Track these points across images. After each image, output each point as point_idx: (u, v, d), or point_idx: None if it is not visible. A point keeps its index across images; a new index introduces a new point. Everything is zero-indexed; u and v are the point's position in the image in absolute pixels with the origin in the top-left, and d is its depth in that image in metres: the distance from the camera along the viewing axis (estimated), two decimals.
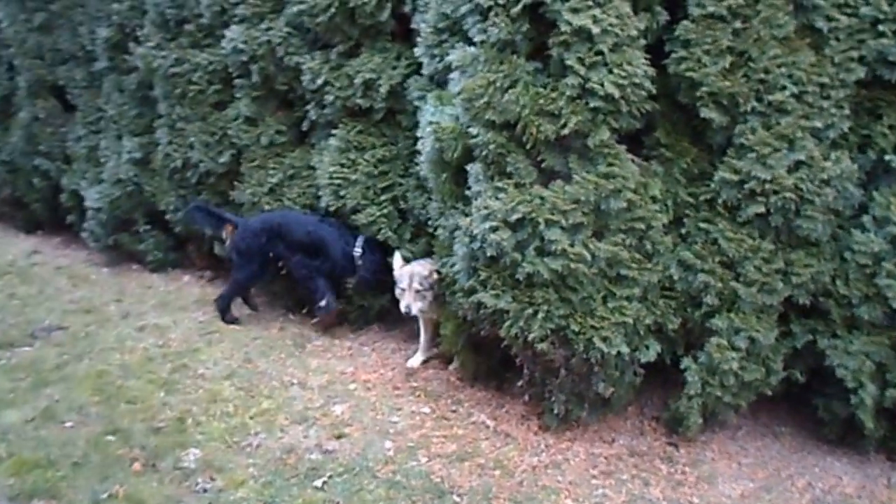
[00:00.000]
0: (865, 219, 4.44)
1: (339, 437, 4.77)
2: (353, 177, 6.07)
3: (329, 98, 6.15)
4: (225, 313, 6.74)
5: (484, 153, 4.53)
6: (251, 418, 4.97)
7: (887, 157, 4.37)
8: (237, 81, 6.86)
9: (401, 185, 6.09)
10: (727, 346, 4.43)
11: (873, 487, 4.44)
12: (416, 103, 5.54)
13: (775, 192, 4.30)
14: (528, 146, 4.43)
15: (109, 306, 7.16)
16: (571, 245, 4.34)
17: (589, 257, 4.35)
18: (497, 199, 4.43)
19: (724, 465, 4.60)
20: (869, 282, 4.37)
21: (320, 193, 6.37)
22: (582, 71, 4.24)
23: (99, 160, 8.40)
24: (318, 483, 4.28)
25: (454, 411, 5.12)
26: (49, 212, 9.66)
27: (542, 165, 4.47)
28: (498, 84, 4.40)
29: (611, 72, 4.22)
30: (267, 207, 6.71)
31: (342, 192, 6.12)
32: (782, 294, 4.45)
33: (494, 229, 4.40)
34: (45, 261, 8.84)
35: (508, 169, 4.49)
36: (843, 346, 4.44)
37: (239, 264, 6.69)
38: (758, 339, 4.41)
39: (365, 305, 6.50)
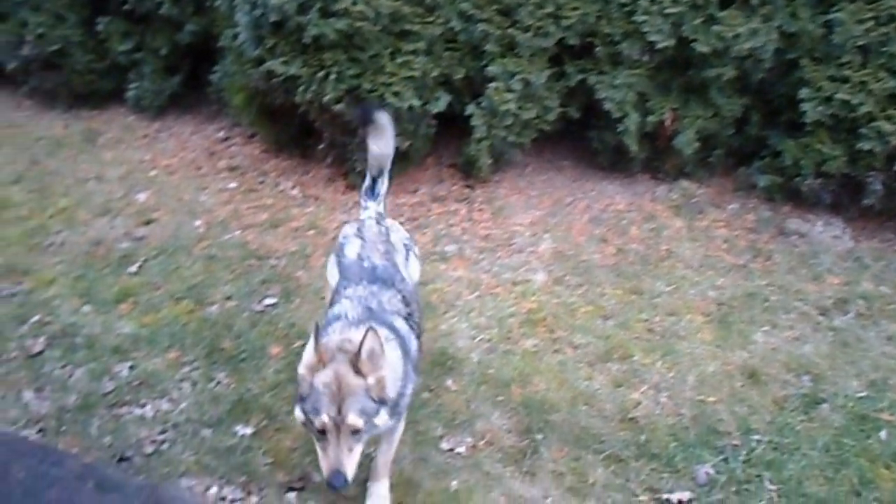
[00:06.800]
0: None
1: (147, 223, 4.76)
2: None
3: None
4: None
5: None
6: (50, 218, 4.82)
7: None
8: None
9: None
10: (504, 89, 4.71)
11: (641, 202, 5.10)
12: None
13: None
14: None
15: None
16: (354, 3, 4.36)
17: (372, 14, 4.41)
18: None
19: (515, 199, 5.08)
20: (628, 20, 4.73)
21: None
22: None
23: None
24: (133, 269, 4.31)
25: (261, 183, 5.21)
26: None
27: None
28: None
29: None
30: None
31: None
32: (555, 37, 4.74)
33: None
34: None
35: None
36: (608, 80, 4.86)
37: None
38: (531, 80, 4.72)
39: (157, 89, 6.11)
